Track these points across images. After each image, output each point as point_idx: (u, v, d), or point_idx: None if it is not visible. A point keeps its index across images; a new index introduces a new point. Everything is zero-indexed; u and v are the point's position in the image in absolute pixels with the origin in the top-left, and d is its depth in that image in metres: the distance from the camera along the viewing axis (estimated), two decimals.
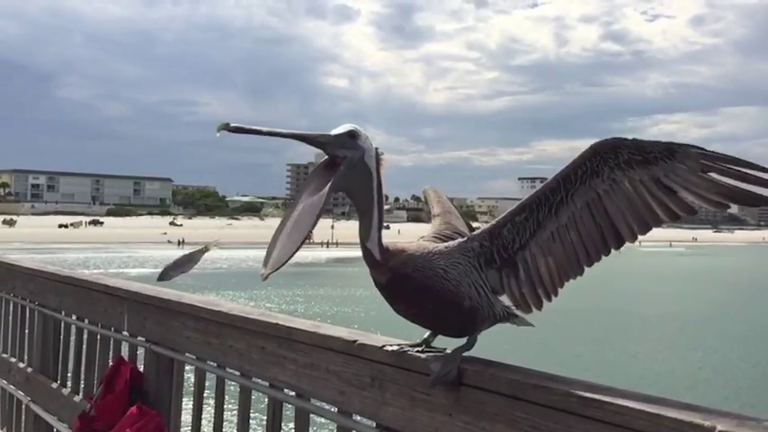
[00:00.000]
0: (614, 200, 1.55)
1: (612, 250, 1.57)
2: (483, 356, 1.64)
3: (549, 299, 1.61)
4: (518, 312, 1.66)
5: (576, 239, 1.57)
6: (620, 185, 1.54)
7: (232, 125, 1.43)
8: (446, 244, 1.62)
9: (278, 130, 1.49)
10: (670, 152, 1.50)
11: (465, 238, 1.64)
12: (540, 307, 1.62)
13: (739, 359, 20.66)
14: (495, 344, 1.73)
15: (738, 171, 1.49)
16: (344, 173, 1.51)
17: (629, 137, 1.54)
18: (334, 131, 1.52)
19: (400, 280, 1.58)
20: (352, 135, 1.52)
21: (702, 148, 1.51)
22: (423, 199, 2.15)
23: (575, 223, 1.57)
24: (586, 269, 1.60)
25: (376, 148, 1.58)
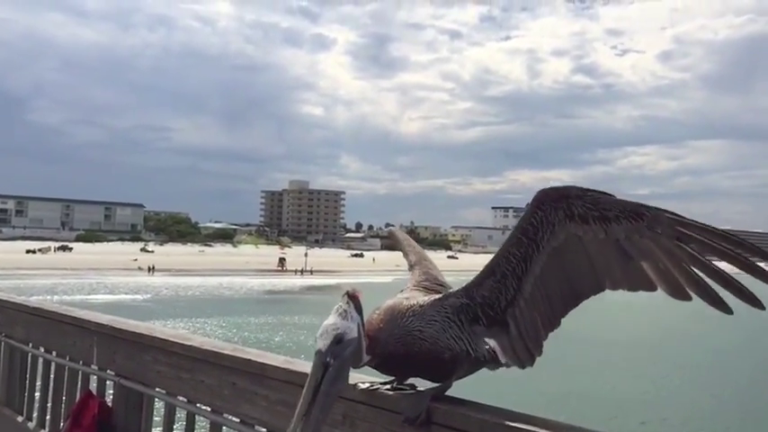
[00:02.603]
0: (573, 253, 1.50)
1: (583, 301, 1.54)
2: (456, 395, 1.66)
3: (540, 353, 1.58)
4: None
5: (553, 291, 1.55)
6: (576, 239, 1.48)
7: None
8: (420, 303, 1.63)
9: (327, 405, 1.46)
10: (636, 214, 1.42)
11: (440, 296, 1.66)
12: (531, 362, 1.59)
13: (707, 389, 20.86)
14: (467, 381, 1.74)
15: (725, 248, 1.37)
16: (331, 379, 1.48)
17: (585, 187, 1.46)
18: (323, 345, 1.49)
19: (385, 359, 1.62)
20: (339, 341, 1.51)
21: (678, 215, 1.40)
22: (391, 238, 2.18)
23: (547, 274, 1.54)
24: (562, 320, 1.57)
25: (348, 292, 1.56)
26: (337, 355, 1.51)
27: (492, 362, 1.66)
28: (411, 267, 1.96)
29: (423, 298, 1.66)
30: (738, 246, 1.37)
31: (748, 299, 1.34)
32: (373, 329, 1.60)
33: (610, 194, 1.46)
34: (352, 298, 1.56)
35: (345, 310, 1.54)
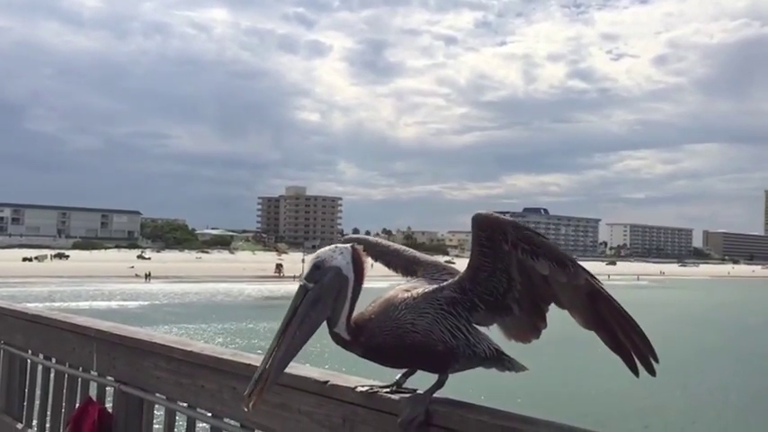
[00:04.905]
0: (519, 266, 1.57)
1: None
2: (456, 395, 1.67)
3: (545, 325, 1.63)
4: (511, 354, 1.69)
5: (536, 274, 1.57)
6: (512, 255, 1.55)
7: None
8: (413, 295, 1.65)
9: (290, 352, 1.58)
10: (561, 263, 1.50)
11: (434, 287, 1.66)
12: (537, 335, 1.64)
13: (710, 393, 20.86)
14: (466, 383, 1.75)
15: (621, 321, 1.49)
16: (309, 302, 1.58)
17: (521, 223, 1.56)
18: (305, 272, 1.61)
19: (373, 349, 1.64)
20: (317, 267, 1.61)
21: (598, 282, 1.50)
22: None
23: (526, 265, 1.57)
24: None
25: (352, 244, 1.66)
26: (316, 279, 1.60)
27: (493, 360, 1.67)
28: (418, 270, 1.91)
29: (418, 290, 1.67)
30: (638, 336, 1.50)
31: (643, 361, 1.52)
32: (363, 319, 1.64)
33: (545, 237, 1.55)
34: (353, 248, 1.65)
35: (337, 246, 1.64)
